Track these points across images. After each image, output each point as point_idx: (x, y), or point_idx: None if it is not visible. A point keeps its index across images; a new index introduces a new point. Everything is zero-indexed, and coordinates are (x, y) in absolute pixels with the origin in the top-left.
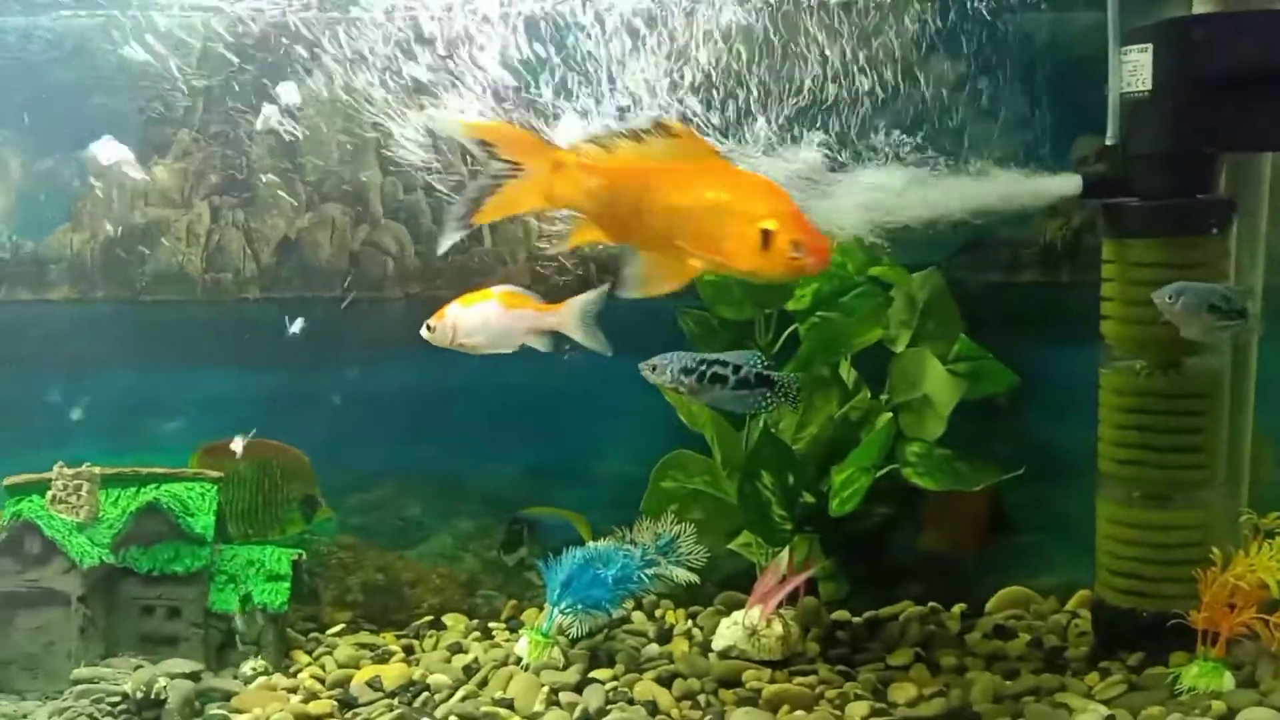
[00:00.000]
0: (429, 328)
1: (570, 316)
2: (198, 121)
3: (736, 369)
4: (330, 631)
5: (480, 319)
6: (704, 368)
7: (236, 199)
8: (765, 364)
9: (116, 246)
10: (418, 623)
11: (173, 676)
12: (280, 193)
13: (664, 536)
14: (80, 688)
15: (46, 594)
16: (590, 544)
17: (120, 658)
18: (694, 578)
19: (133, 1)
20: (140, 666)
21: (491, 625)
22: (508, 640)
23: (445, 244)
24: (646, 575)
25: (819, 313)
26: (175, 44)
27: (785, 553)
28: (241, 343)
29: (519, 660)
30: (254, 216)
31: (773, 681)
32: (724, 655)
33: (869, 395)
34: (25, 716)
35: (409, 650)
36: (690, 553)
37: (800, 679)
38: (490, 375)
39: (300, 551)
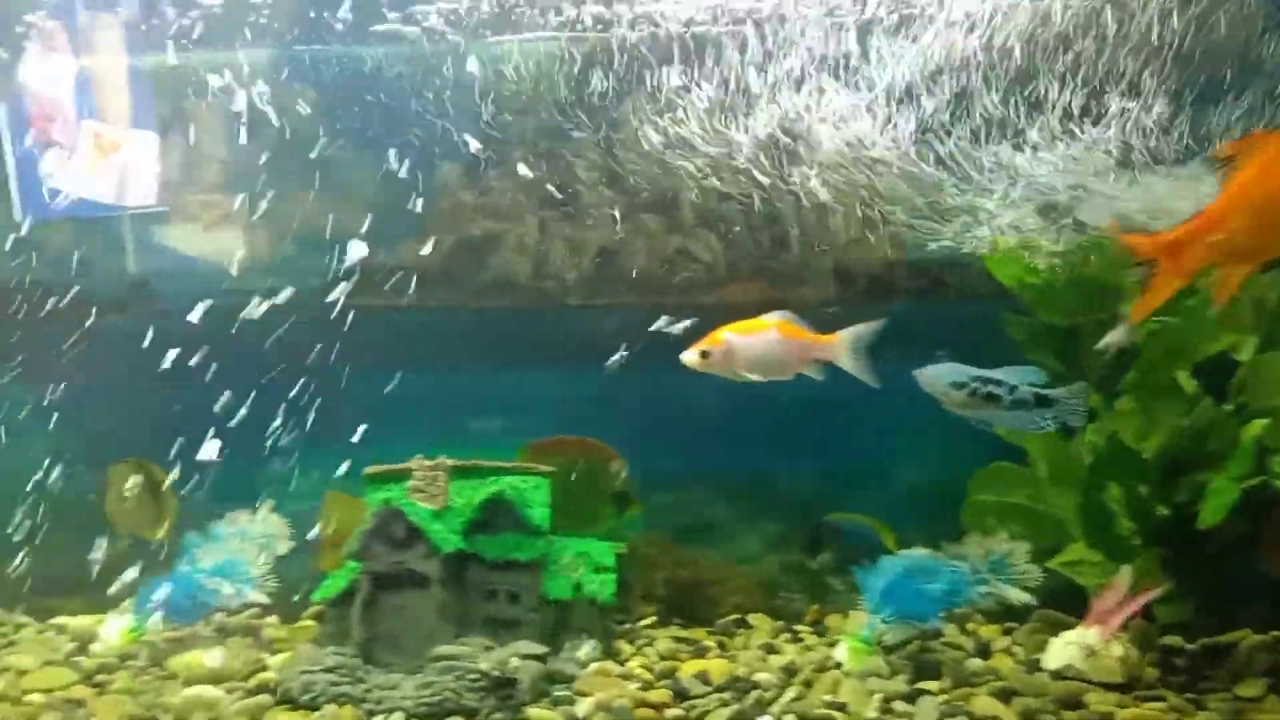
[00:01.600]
0: (703, 353)
1: (843, 347)
2: (531, 139)
3: (1012, 389)
4: (641, 624)
5: (760, 348)
6: (976, 384)
7: (561, 212)
8: (1044, 383)
9: (456, 257)
10: (724, 620)
11: (523, 658)
12: (600, 205)
13: (996, 553)
14: (443, 664)
15: (410, 576)
16: (906, 553)
17: (469, 638)
18: (1029, 599)
19: (476, 29)
20: (490, 647)
21: (798, 628)
22: (818, 644)
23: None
24: (977, 593)
25: (1159, 318)
26: (515, 67)
27: (1126, 571)
28: (563, 346)
29: (838, 665)
30: (576, 228)
31: (1121, 706)
32: (1059, 675)
33: (1213, 403)
34: (393, 687)
35: (722, 646)
36: (1024, 571)
37: (1149, 704)
38: (799, 381)
39: (622, 545)
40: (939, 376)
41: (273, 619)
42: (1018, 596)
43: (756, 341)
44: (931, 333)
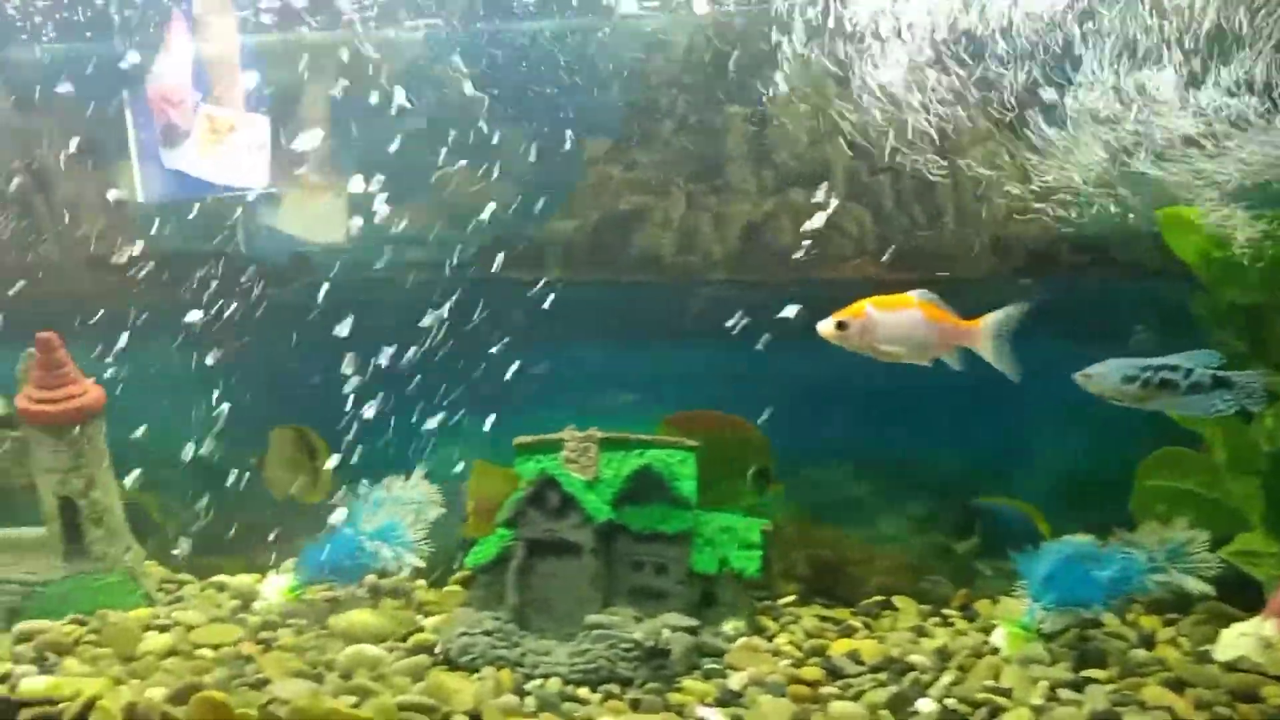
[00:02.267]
0: (840, 324)
1: (986, 334)
2: (678, 114)
3: (1188, 372)
4: (782, 602)
5: (905, 326)
6: (1149, 374)
7: (708, 186)
8: (1219, 363)
9: (602, 232)
10: (868, 601)
11: (674, 629)
12: (747, 179)
13: (1173, 541)
14: (596, 632)
15: (563, 544)
16: (1069, 539)
17: (617, 607)
18: (1208, 589)
19: (616, 8)
20: (639, 618)
21: (945, 612)
22: (970, 629)
23: None
24: (1151, 581)
25: None
26: (661, 44)
27: None
28: (706, 322)
29: (994, 651)
30: (722, 202)
31: None
32: (1232, 667)
33: None
34: (547, 653)
35: (868, 627)
36: (1203, 561)
37: None
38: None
39: (768, 522)
40: (1106, 375)
41: (420, 583)
42: (1196, 586)
43: (899, 319)
44: (1098, 311)
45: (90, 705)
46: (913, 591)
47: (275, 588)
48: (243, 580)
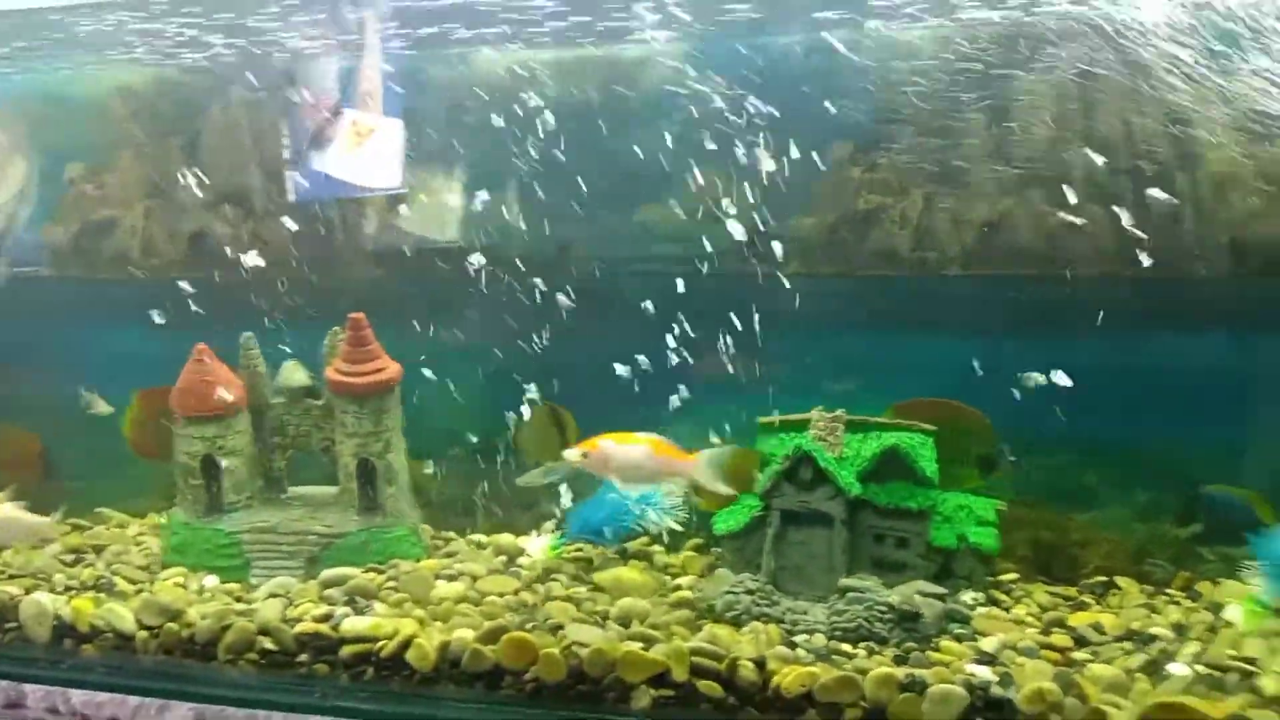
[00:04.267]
0: (583, 454)
1: (701, 468)
2: (920, 118)
3: None
4: (1007, 578)
5: (634, 460)
6: None
7: (946, 187)
8: None
9: (840, 229)
10: (1090, 580)
11: (924, 595)
12: (985, 180)
13: None
14: (851, 595)
15: (815, 515)
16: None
17: (865, 577)
18: None
19: (863, 21)
20: (889, 587)
21: (1169, 592)
22: (1197, 607)
23: None
24: None
25: None
26: (907, 51)
27: None
28: (945, 315)
29: (1228, 625)
30: (960, 202)
31: None
32: None
33: None
34: (805, 612)
35: (1098, 603)
36: None
37: None
38: (1180, 352)
39: (1003, 502)
40: None
41: (658, 548)
42: None
43: (630, 453)
44: None
45: (407, 643)
46: (1134, 574)
47: (539, 545)
48: (502, 538)
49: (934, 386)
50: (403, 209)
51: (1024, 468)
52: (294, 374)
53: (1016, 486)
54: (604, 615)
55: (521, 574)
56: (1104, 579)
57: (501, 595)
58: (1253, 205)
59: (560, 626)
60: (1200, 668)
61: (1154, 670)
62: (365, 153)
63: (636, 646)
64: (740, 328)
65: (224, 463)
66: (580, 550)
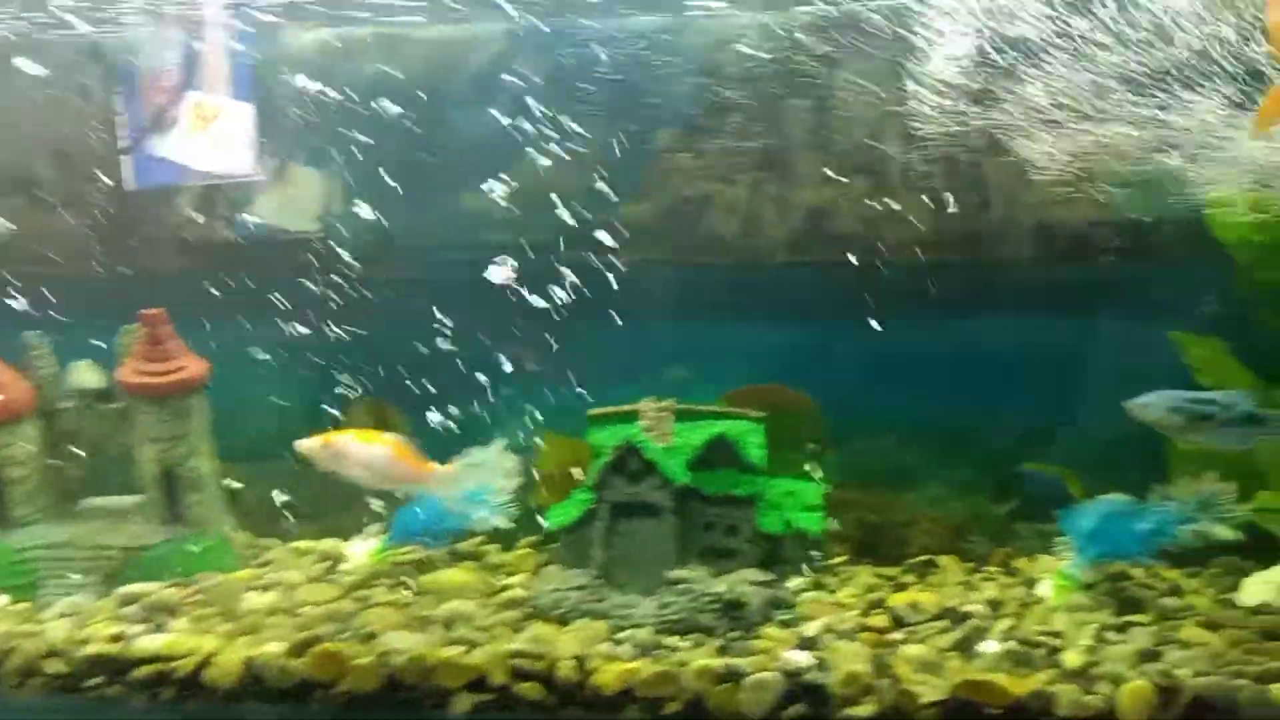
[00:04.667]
0: (323, 444)
1: (442, 479)
2: (746, 106)
3: (1226, 407)
4: (835, 562)
5: (369, 460)
6: (1192, 406)
7: (772, 174)
8: (1255, 403)
9: (671, 215)
10: (913, 560)
11: (751, 583)
12: (808, 166)
13: (1204, 493)
14: (680, 586)
15: (644, 506)
16: (1107, 497)
17: (692, 565)
18: (1238, 535)
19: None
20: (715, 575)
21: (987, 569)
22: (1013, 583)
23: None
24: (1185, 531)
25: None
26: (735, 36)
27: None
28: (771, 302)
29: (1040, 600)
30: (785, 189)
31: None
32: (1258, 611)
33: None
34: (633, 606)
35: (921, 581)
36: (1231, 511)
37: None
38: (997, 334)
39: (827, 486)
40: (1153, 404)
41: (493, 546)
42: (1226, 533)
43: (367, 452)
44: (1135, 295)
45: (205, 662)
46: (955, 552)
47: (362, 550)
48: (326, 544)
49: (765, 373)
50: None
51: (845, 452)
52: (85, 375)
53: (845, 469)
54: (428, 620)
55: (343, 581)
56: (927, 558)
57: (319, 605)
58: (1058, 192)
59: (374, 635)
60: (1011, 644)
61: (966, 648)
62: (212, 137)
63: (457, 651)
64: (572, 316)
65: (8, 472)
66: (407, 553)
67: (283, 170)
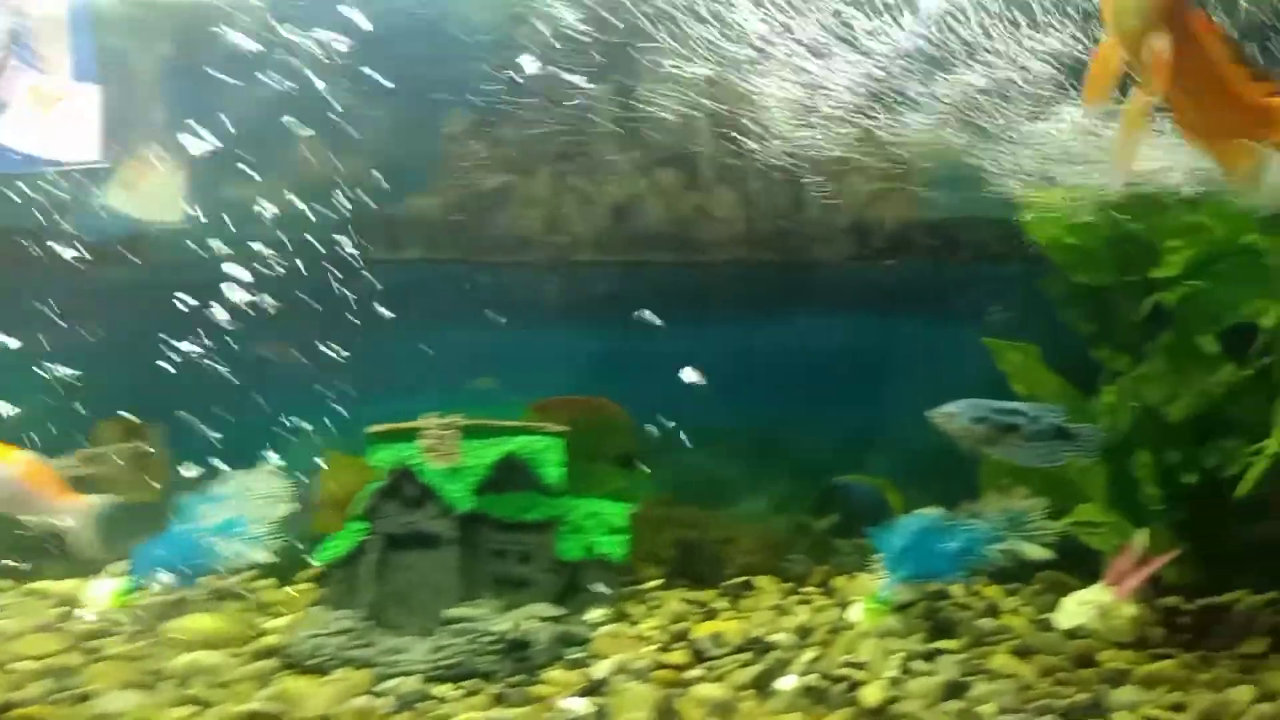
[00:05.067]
0: None
1: (81, 515)
2: (543, 91)
3: (1033, 419)
4: (648, 586)
5: None
6: (997, 417)
7: (575, 166)
8: (1065, 417)
9: (463, 210)
10: (730, 583)
11: (539, 620)
12: (615, 159)
13: (1013, 510)
14: (456, 627)
15: (421, 536)
16: (921, 513)
17: (482, 599)
18: (1047, 554)
19: None
20: (502, 609)
21: (804, 590)
22: (828, 605)
23: None
24: (994, 550)
25: (1191, 281)
26: (536, 14)
27: (1142, 534)
28: (573, 304)
29: (851, 626)
30: (590, 182)
31: (1135, 664)
32: (1073, 634)
33: (1235, 368)
34: (405, 651)
35: (732, 607)
36: (1041, 529)
37: (1162, 662)
38: (813, 339)
39: (634, 506)
40: (958, 414)
41: (269, 582)
42: (1035, 552)
43: None
44: (949, 294)
45: None
46: (775, 570)
47: (104, 592)
48: (65, 586)
49: (574, 381)
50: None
51: (661, 466)
52: None
53: (660, 483)
54: (162, 675)
55: (75, 629)
56: (744, 579)
57: (40, 658)
58: (874, 190)
59: (87, 696)
60: (812, 678)
61: (765, 684)
62: (53, 121)
63: (184, 713)
64: (355, 322)
65: None
66: (158, 594)
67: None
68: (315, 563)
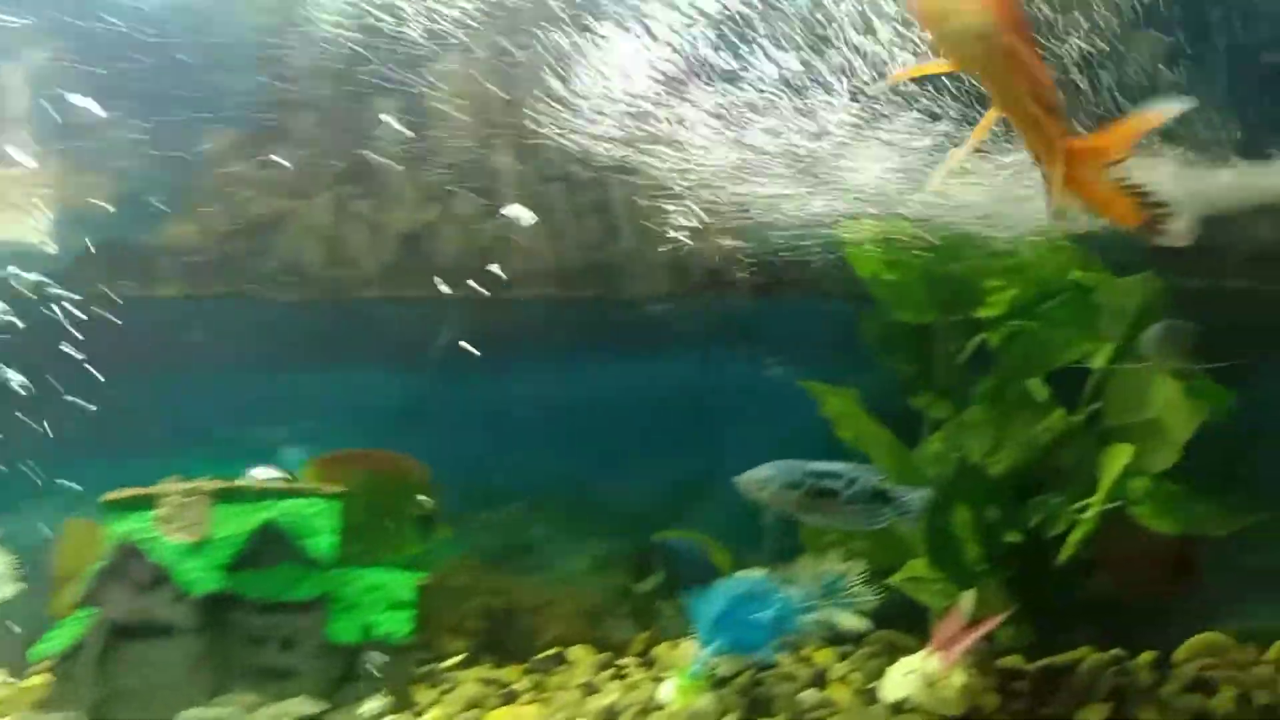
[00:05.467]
0: None
1: None
2: (323, 106)
3: (850, 482)
4: (448, 664)
5: None
6: (810, 482)
7: (361, 189)
8: (882, 477)
9: (233, 240)
10: (541, 656)
11: (297, 717)
12: (405, 182)
13: (829, 576)
14: None
15: (154, 624)
16: (741, 575)
17: (233, 694)
18: (864, 625)
19: None
20: (261, 704)
21: (622, 662)
22: (644, 678)
23: None
24: (807, 620)
25: (1018, 321)
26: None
27: (969, 596)
28: (363, 344)
29: (663, 706)
30: (378, 209)
31: None
32: (898, 708)
33: (1065, 414)
34: None
35: (537, 687)
36: (859, 595)
37: None
38: (630, 385)
39: (423, 575)
40: (769, 480)
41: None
42: (851, 622)
43: None
44: (772, 332)
45: None
46: (593, 639)
47: None
48: None
49: (363, 431)
50: None
51: (464, 527)
52: None
53: (464, 546)
54: None
55: None
56: (558, 650)
57: None
58: (689, 223)
59: None
60: None
61: None
62: None
63: None
64: (99, 368)
65: None
66: None
67: None
68: (31, 656)
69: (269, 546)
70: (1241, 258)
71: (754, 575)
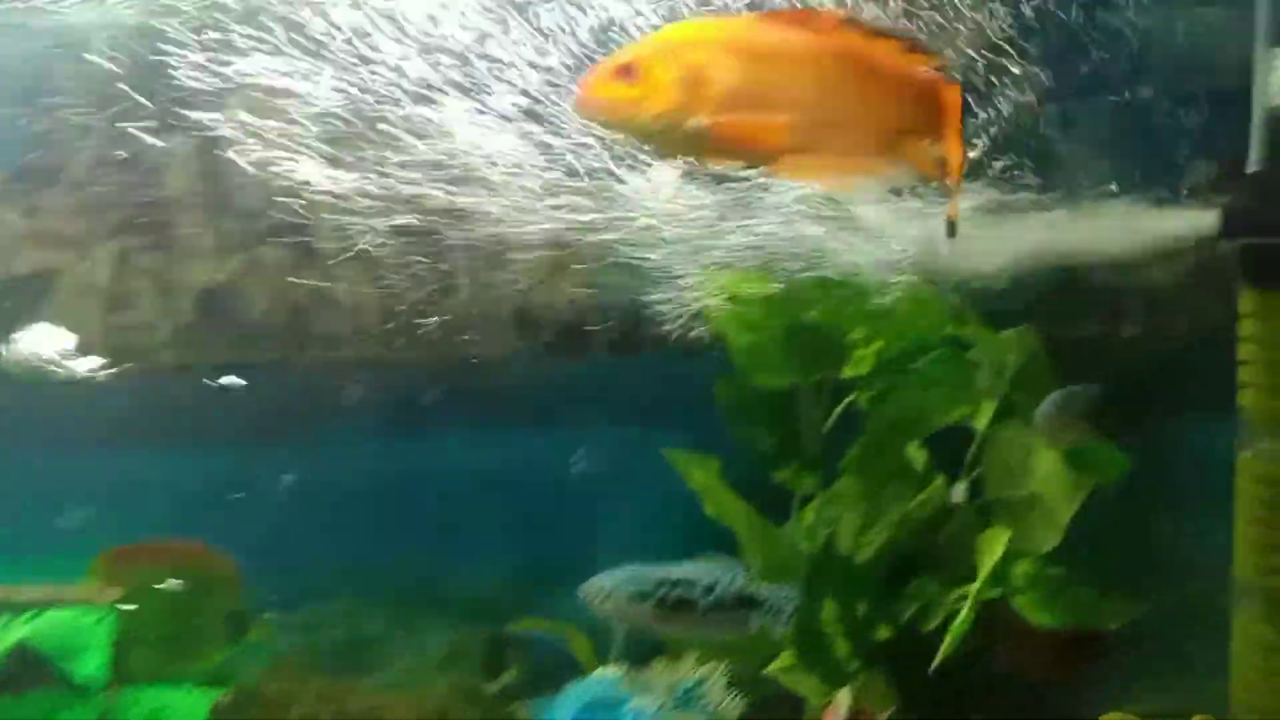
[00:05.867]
0: None
1: None
2: (99, 144)
3: (709, 589)
4: None
5: None
6: (663, 590)
7: (150, 240)
8: (746, 576)
9: None
10: None
11: None
12: (201, 232)
13: (686, 682)
14: None
15: None
16: (595, 677)
17: None
18: None
19: None
20: None
21: None
22: None
23: None
24: None
25: (887, 382)
26: (81, 45)
27: (845, 694)
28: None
29: None
30: (168, 262)
31: None
32: None
33: (943, 485)
34: None
35: None
36: (721, 701)
37: None
38: (470, 458)
39: (223, 690)
40: (612, 591)
41: None
42: None
43: None
44: (636, 394)
45: None
46: None
47: None
48: None
49: (158, 518)
50: None
51: (279, 627)
52: None
53: (284, 648)
54: None
55: None
56: None
57: None
58: (534, 272)
59: None
60: None
61: None
62: None
63: None
64: None
65: None
66: None
67: None
68: None
69: (24, 669)
70: (1135, 304)
71: (607, 677)
